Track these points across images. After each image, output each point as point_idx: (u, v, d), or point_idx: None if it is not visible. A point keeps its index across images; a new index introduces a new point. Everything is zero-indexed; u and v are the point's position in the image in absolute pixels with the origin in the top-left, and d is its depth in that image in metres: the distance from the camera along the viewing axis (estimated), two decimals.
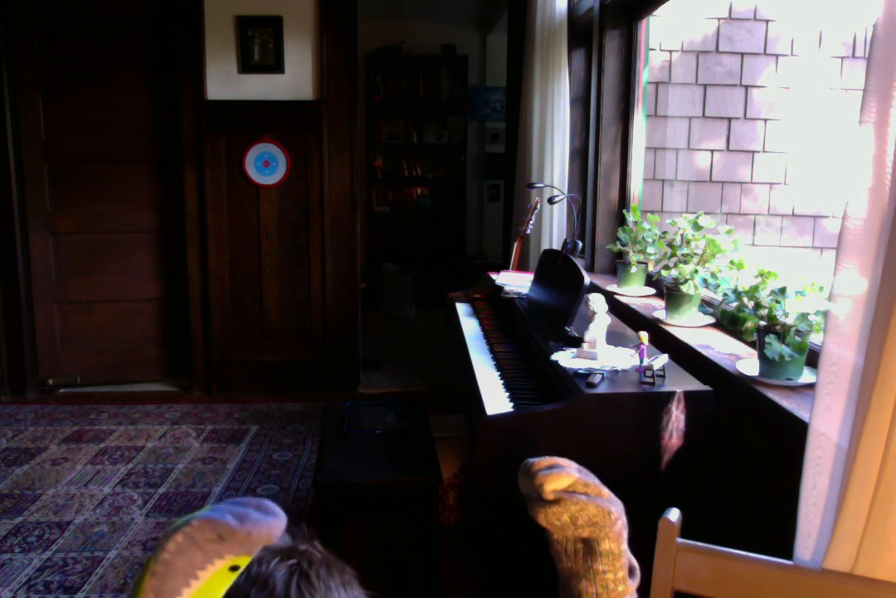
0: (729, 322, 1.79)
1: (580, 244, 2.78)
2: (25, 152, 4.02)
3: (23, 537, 2.63)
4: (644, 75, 3.05)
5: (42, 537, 2.63)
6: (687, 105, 3.18)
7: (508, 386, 1.96)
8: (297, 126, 4.08)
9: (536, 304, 2.48)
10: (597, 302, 1.90)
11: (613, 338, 2.01)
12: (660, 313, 2.32)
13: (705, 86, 3.16)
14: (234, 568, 0.71)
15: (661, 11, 3.07)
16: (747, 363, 1.79)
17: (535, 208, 3.11)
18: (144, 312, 4.32)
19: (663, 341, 2.12)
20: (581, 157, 3.63)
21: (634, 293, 2.68)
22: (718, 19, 3.13)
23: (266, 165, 4.09)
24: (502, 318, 2.73)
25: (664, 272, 2.33)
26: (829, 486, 1.02)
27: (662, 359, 1.72)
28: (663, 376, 1.70)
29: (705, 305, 2.32)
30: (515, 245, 3.15)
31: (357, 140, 4.19)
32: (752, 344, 1.90)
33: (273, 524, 0.72)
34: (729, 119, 3.18)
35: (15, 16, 3.92)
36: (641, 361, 1.75)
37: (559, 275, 2.35)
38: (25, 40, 3.95)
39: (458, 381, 3.83)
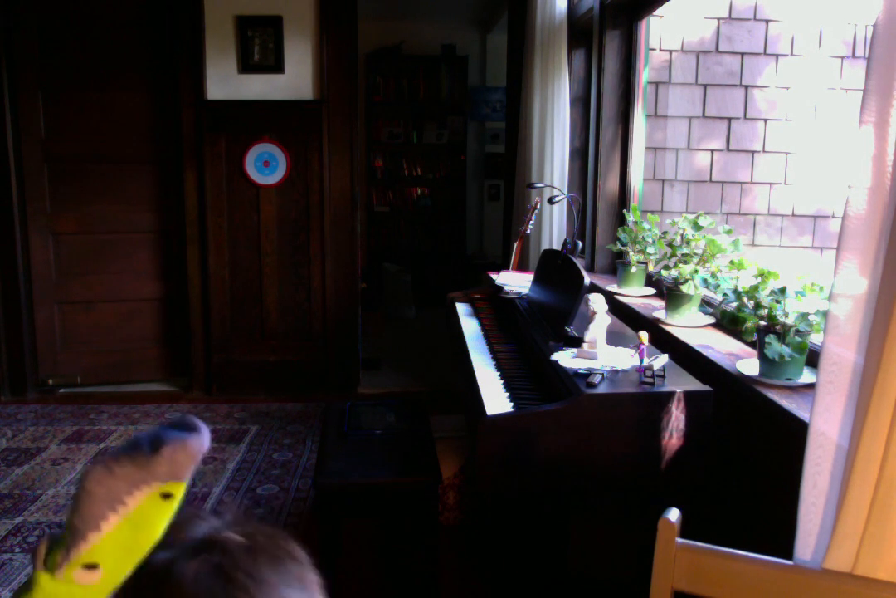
0: (729, 322, 1.79)
1: (580, 244, 2.78)
2: (25, 152, 4.02)
3: (23, 537, 2.63)
4: (644, 75, 3.05)
5: (42, 537, 2.63)
6: (687, 105, 3.18)
7: (508, 386, 1.96)
8: (297, 126, 4.08)
9: (536, 304, 2.48)
10: (597, 302, 1.90)
11: (613, 338, 2.01)
12: (660, 313, 2.32)
13: (705, 86, 3.16)
14: (166, 495, 0.72)
15: (661, 11, 3.07)
16: (747, 363, 1.79)
17: (535, 208, 3.11)
18: (144, 312, 4.32)
19: (663, 341, 2.12)
20: (581, 157, 3.63)
21: (634, 293, 2.68)
22: (718, 19, 3.13)
23: (266, 165, 4.09)
24: (502, 318, 2.73)
25: (664, 272, 2.33)
26: (830, 486, 1.02)
27: (662, 359, 1.72)
28: (663, 376, 1.70)
29: (705, 305, 2.32)
30: (515, 245, 3.15)
31: (357, 140, 4.19)
32: (752, 344, 1.90)
33: (191, 441, 0.72)
34: (729, 119, 3.18)
35: (15, 16, 3.92)
36: (641, 361, 1.75)
37: (559, 275, 2.35)
38: (26, 40, 3.95)
39: (458, 381, 3.83)
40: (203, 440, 0.73)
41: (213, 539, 0.69)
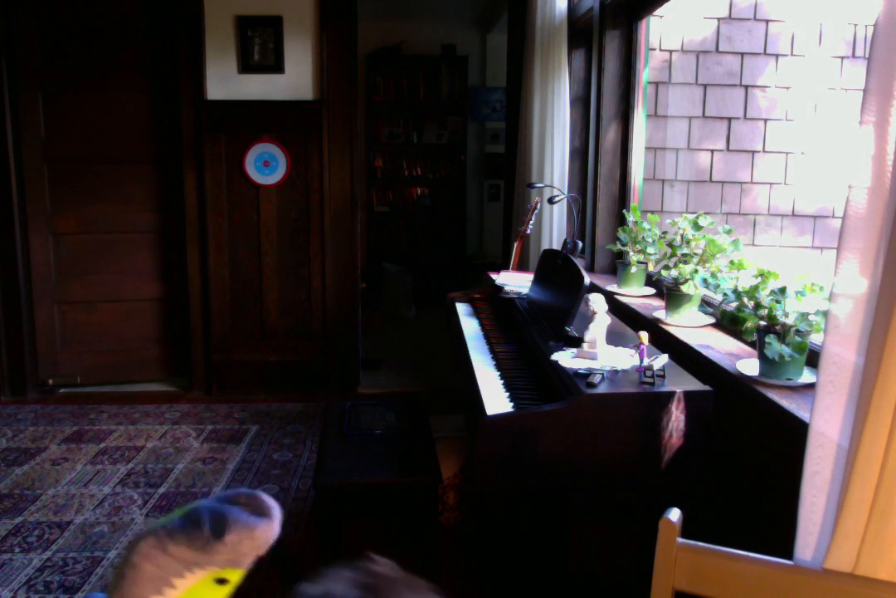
0: (729, 322, 1.79)
1: (580, 244, 2.78)
2: (25, 152, 4.02)
3: (23, 537, 2.63)
4: (644, 75, 3.04)
5: (42, 537, 2.63)
6: (687, 105, 3.18)
7: (508, 386, 1.96)
8: (297, 126, 4.08)
9: (536, 304, 2.48)
10: (597, 302, 1.90)
11: (613, 338, 2.01)
12: (660, 313, 2.32)
13: (705, 86, 3.16)
14: (221, 581, 0.65)
15: (661, 11, 3.07)
16: (747, 363, 1.79)
17: (535, 208, 3.11)
18: (144, 312, 4.32)
19: (663, 341, 2.12)
20: (581, 157, 3.63)
21: (634, 293, 2.68)
22: (718, 19, 3.13)
23: (266, 165, 4.09)
24: (502, 318, 2.73)
25: (664, 272, 2.33)
26: (830, 486, 1.02)
27: (662, 359, 1.72)
28: (663, 376, 1.70)
29: (705, 305, 2.32)
30: (515, 245, 3.15)
31: (357, 140, 4.19)
32: (752, 344, 1.90)
33: (259, 531, 0.64)
34: (729, 119, 3.17)
35: (15, 16, 3.92)
36: (641, 361, 1.75)
37: (559, 275, 2.35)
38: (26, 40, 3.95)
39: (458, 381, 3.83)
40: (273, 528, 0.66)
41: (370, 571, 0.65)
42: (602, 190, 3.11)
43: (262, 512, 0.66)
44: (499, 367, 2.14)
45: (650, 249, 2.60)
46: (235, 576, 0.66)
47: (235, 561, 0.65)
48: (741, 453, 1.87)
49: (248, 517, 0.65)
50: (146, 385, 4.37)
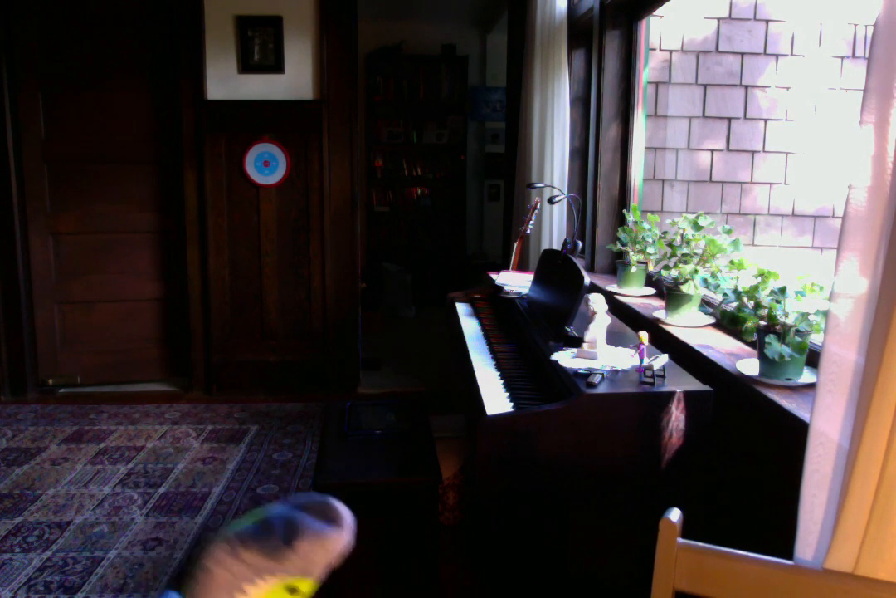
0: (729, 322, 1.79)
1: (580, 244, 2.78)
2: (25, 152, 4.02)
3: (23, 537, 2.63)
4: (644, 75, 3.04)
5: (42, 537, 2.63)
6: (687, 105, 3.18)
7: (508, 386, 1.96)
8: (297, 126, 4.08)
9: (536, 304, 2.48)
10: (597, 302, 1.90)
11: (613, 338, 2.01)
12: (660, 313, 2.32)
13: (705, 86, 3.16)
14: (292, 590, 0.64)
15: (661, 11, 3.07)
16: (747, 363, 1.79)
17: (535, 208, 3.11)
18: (144, 312, 4.32)
19: (663, 341, 2.12)
20: (581, 157, 3.63)
21: (634, 293, 2.68)
22: (718, 19, 3.13)
23: (266, 165, 4.09)
24: (502, 318, 2.73)
25: (664, 272, 2.33)
26: (830, 486, 1.02)
27: (662, 359, 1.72)
28: (663, 376, 1.70)
29: (705, 305, 2.32)
30: (515, 245, 3.15)
31: (357, 140, 4.19)
32: (752, 344, 1.90)
33: (331, 539, 0.64)
34: (729, 119, 3.18)
35: (15, 16, 3.92)
36: (641, 361, 1.75)
37: (559, 275, 2.35)
38: (26, 40, 3.95)
39: (458, 381, 3.83)
40: (344, 537, 0.65)
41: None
42: (602, 190, 3.11)
43: (333, 520, 0.66)
44: (499, 367, 2.14)
45: (650, 249, 2.60)
46: (307, 586, 0.66)
47: (306, 570, 0.64)
48: (741, 453, 1.87)
49: (319, 524, 0.65)
50: (146, 385, 4.37)
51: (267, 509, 0.68)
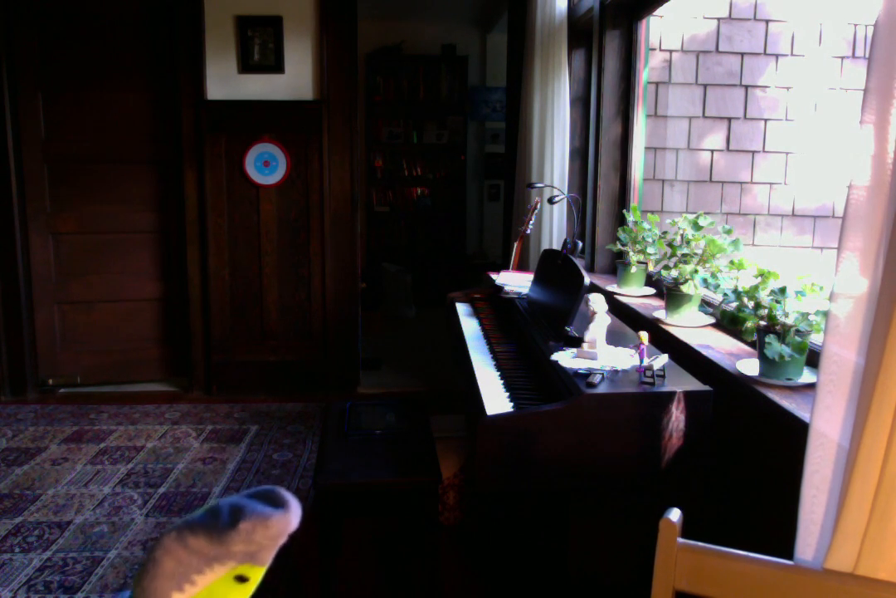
0: (729, 322, 1.79)
1: (580, 244, 2.78)
2: (25, 152, 4.02)
3: (23, 537, 2.63)
4: (644, 75, 3.04)
5: (42, 537, 2.63)
6: (687, 105, 3.17)
7: (508, 386, 1.96)
8: (297, 126, 4.08)
9: (536, 304, 2.48)
10: (597, 302, 1.90)
11: (613, 338, 2.01)
12: (660, 313, 2.32)
13: (705, 86, 3.16)
14: (241, 579, 0.65)
15: (661, 11, 3.07)
16: (747, 363, 1.79)
17: (535, 208, 3.11)
18: (144, 312, 4.32)
19: (663, 341, 2.12)
20: (581, 157, 3.63)
21: (634, 293, 2.68)
22: (718, 19, 3.13)
23: (266, 165, 4.09)
24: (502, 318, 2.73)
25: (664, 272, 2.33)
26: (830, 486, 1.02)
27: (662, 359, 1.72)
28: (663, 376, 1.70)
29: (705, 305, 2.32)
30: (515, 245, 3.15)
31: (357, 140, 4.19)
32: (752, 344, 1.90)
33: (274, 520, 0.64)
34: (729, 119, 3.17)
35: (15, 16, 3.92)
36: (641, 361, 1.75)
37: (559, 275, 2.35)
38: (26, 40, 3.95)
39: (458, 381, 3.83)
40: (289, 519, 0.65)
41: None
42: (602, 190, 3.11)
43: (278, 504, 0.66)
44: (499, 367, 2.14)
45: (650, 249, 2.60)
46: (256, 574, 0.66)
47: (253, 556, 0.64)
48: (741, 453, 1.87)
49: (263, 507, 0.65)
50: (146, 385, 4.37)
51: (219, 500, 0.69)
